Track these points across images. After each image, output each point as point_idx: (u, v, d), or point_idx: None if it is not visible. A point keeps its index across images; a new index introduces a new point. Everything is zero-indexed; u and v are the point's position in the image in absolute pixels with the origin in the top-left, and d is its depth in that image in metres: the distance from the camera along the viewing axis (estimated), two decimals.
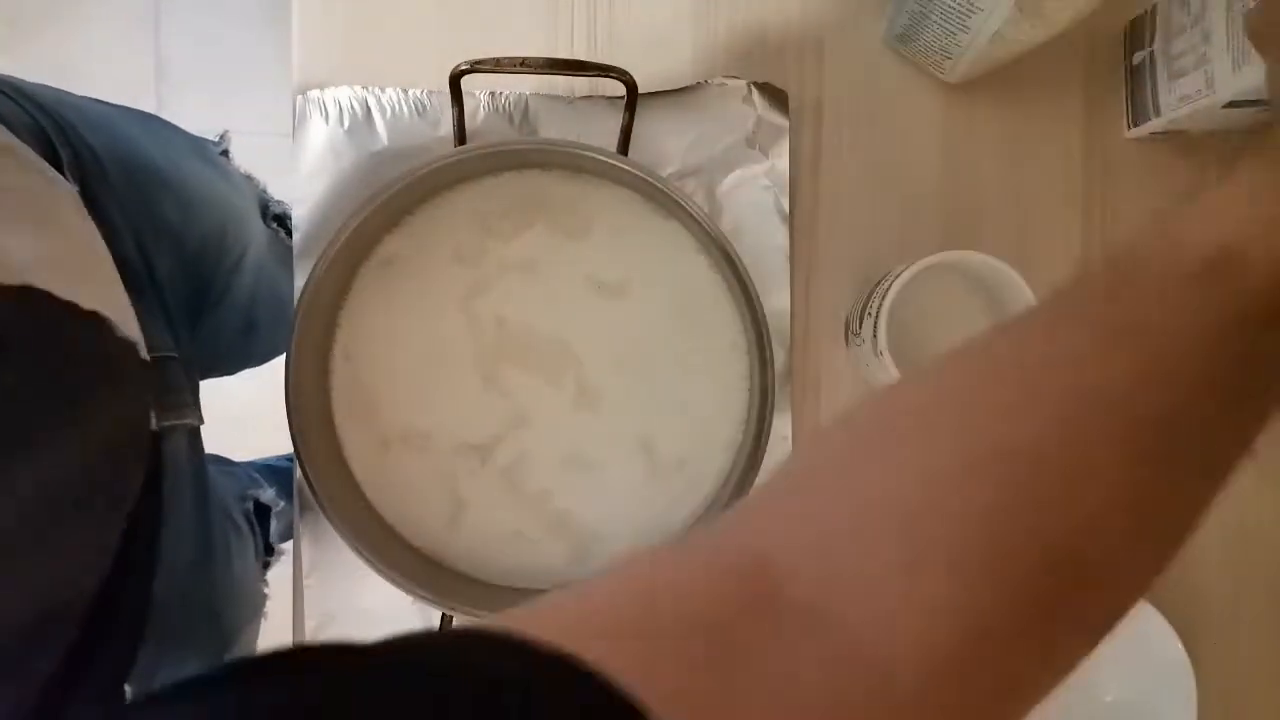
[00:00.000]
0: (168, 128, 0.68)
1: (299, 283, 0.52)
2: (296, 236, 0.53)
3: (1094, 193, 0.55)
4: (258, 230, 0.72)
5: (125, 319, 0.41)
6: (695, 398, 0.52)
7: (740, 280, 0.48)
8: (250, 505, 0.78)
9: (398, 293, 0.51)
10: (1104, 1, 0.45)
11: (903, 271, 0.47)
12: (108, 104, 0.62)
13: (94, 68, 1.39)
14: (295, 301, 0.48)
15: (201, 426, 0.57)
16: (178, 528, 0.51)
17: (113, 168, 0.52)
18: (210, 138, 0.75)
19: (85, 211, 0.43)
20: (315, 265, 0.47)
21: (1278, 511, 0.55)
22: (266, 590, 0.74)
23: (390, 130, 0.53)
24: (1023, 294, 0.46)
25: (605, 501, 0.52)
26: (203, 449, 0.59)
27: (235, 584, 0.65)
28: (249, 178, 0.76)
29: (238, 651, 0.64)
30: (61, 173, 0.47)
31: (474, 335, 0.51)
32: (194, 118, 1.39)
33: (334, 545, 0.51)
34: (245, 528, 0.74)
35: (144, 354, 0.43)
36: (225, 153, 0.74)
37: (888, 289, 0.47)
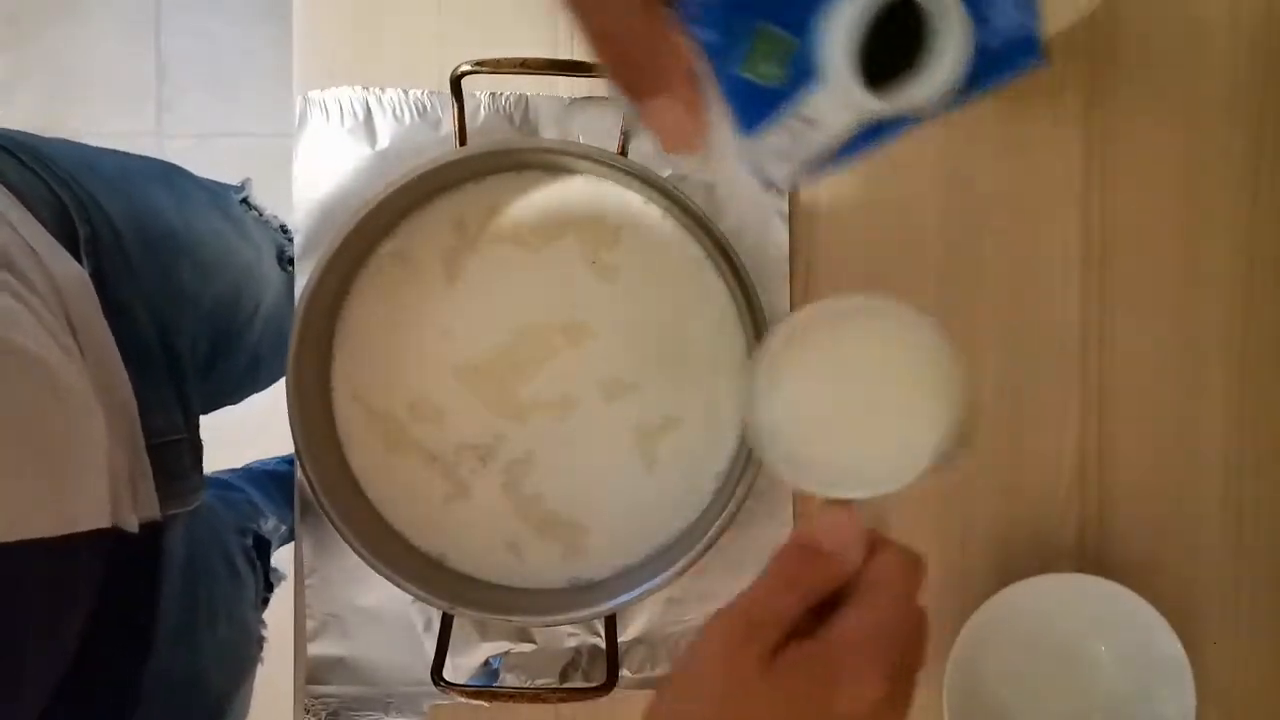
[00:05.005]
0: (188, 180, 0.67)
1: (300, 284, 0.52)
2: (298, 238, 0.53)
3: (1093, 197, 0.55)
4: (272, 279, 0.71)
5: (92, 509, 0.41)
6: (694, 397, 0.52)
7: (740, 280, 0.49)
8: (250, 541, 0.76)
9: (398, 292, 0.51)
10: (1103, 4, 0.46)
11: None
12: (128, 156, 0.62)
13: (95, 67, 1.40)
14: (295, 302, 0.48)
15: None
16: (164, 607, 0.51)
17: (130, 238, 0.52)
18: (233, 183, 0.74)
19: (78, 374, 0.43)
20: (316, 265, 0.47)
21: (1275, 509, 0.55)
22: (265, 632, 0.72)
23: (391, 131, 0.53)
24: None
25: (605, 502, 0.52)
26: (200, 524, 0.58)
27: (221, 645, 0.62)
28: (267, 222, 0.74)
29: (230, 717, 0.62)
30: (77, 251, 0.47)
31: (474, 334, 0.51)
32: (194, 118, 1.40)
33: (334, 545, 0.52)
34: (245, 569, 0.72)
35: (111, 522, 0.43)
36: (245, 200, 0.73)
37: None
